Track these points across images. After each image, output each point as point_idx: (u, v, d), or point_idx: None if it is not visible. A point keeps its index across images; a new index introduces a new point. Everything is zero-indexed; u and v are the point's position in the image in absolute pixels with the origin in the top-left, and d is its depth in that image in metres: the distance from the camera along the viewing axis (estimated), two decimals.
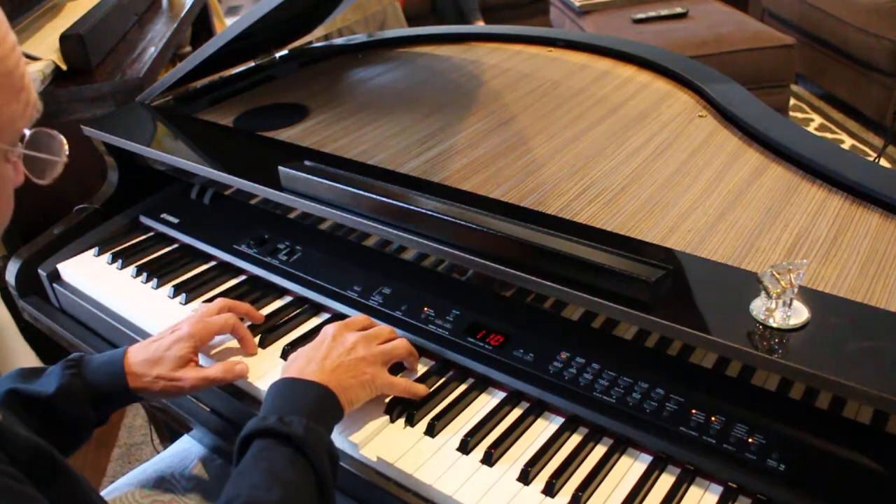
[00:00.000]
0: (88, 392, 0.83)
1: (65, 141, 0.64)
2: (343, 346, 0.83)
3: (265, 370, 0.92)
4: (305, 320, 1.01)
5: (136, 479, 1.00)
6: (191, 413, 0.98)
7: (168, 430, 1.53)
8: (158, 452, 1.09)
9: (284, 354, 0.94)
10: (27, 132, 0.61)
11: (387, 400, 0.85)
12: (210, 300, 1.05)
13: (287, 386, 0.78)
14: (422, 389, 0.85)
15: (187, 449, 1.05)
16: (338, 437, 0.82)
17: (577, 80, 1.36)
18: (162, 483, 0.99)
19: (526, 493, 0.74)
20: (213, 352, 0.95)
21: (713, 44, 2.88)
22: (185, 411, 0.98)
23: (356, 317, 0.91)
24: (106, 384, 0.85)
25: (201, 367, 0.88)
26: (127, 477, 1.02)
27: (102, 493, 0.99)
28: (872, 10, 2.92)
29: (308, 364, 0.80)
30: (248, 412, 0.89)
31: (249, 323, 0.98)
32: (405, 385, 0.84)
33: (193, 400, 0.97)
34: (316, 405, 0.75)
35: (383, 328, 0.89)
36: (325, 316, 1.01)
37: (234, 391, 0.93)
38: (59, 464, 0.64)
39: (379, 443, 0.81)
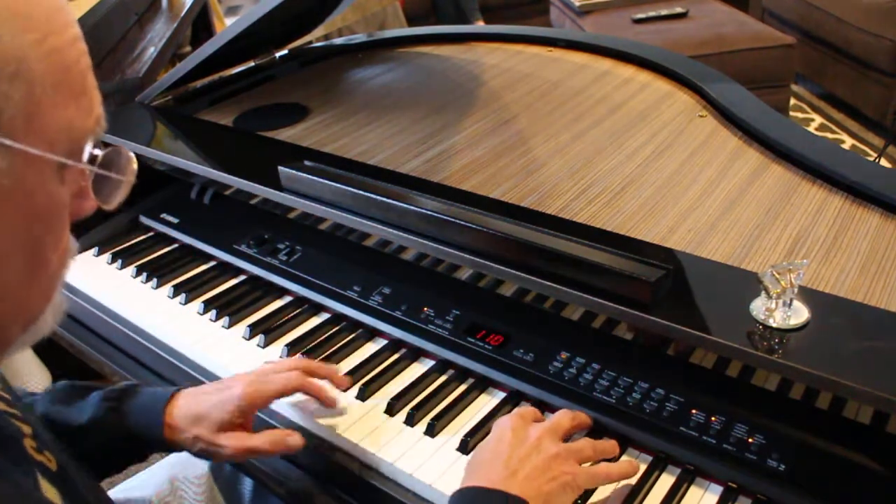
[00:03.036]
0: (122, 430, 0.78)
1: (133, 157, 0.54)
2: (528, 442, 0.70)
3: None
4: (305, 320, 1.01)
5: (145, 483, 0.99)
6: None
7: None
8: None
9: (284, 356, 0.94)
10: (95, 151, 0.50)
11: (387, 400, 0.85)
12: (210, 300, 1.05)
13: (477, 496, 0.66)
14: (625, 467, 0.73)
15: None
16: (336, 437, 0.82)
17: (577, 80, 1.36)
18: (170, 487, 0.98)
19: None
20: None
21: (713, 44, 2.88)
22: None
23: (526, 408, 0.78)
24: (142, 428, 0.79)
25: (245, 435, 0.80)
26: (132, 480, 1.01)
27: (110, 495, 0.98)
28: (872, 9, 2.92)
29: (493, 467, 0.68)
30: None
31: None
32: (608, 472, 0.72)
33: None
34: None
35: (562, 418, 0.75)
36: (325, 316, 1.01)
37: None
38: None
39: (379, 442, 0.81)
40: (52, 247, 0.49)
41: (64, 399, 0.80)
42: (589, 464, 0.72)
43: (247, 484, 1.01)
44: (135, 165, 0.53)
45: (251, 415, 0.81)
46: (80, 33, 0.48)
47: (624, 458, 0.76)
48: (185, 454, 0.98)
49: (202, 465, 1.01)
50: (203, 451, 0.79)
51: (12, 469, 0.51)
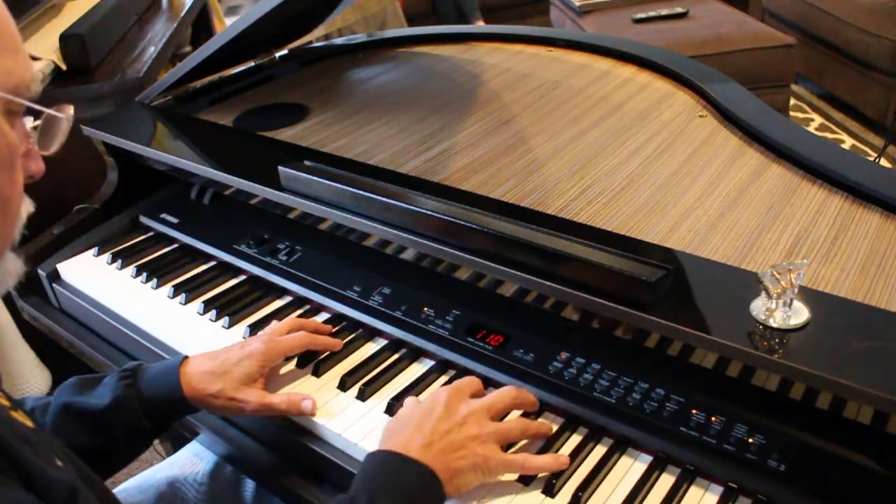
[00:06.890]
0: (143, 404, 0.80)
1: (70, 105, 0.61)
2: (453, 418, 0.73)
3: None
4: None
5: (146, 483, 0.99)
6: (198, 418, 0.96)
7: (170, 432, 1.52)
8: (160, 454, 1.08)
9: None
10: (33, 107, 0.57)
11: (387, 400, 0.85)
12: (210, 300, 1.05)
13: (387, 461, 0.70)
14: (546, 461, 0.74)
15: (197, 455, 1.03)
16: (336, 437, 0.82)
17: (577, 80, 1.36)
18: (171, 489, 0.98)
19: (526, 493, 0.74)
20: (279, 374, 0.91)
21: (713, 44, 2.88)
22: (193, 416, 0.97)
23: (469, 380, 0.80)
24: (161, 396, 0.81)
25: (265, 392, 0.84)
26: (133, 480, 1.01)
27: None
28: (872, 9, 2.92)
29: (415, 435, 0.71)
30: (260, 420, 0.88)
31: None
32: (523, 463, 0.74)
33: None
34: (415, 490, 0.68)
35: (500, 397, 0.78)
36: (325, 316, 1.00)
37: None
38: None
39: (378, 441, 0.80)
40: (8, 186, 0.56)
41: (77, 391, 0.82)
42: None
43: (248, 487, 1.01)
44: (71, 109, 0.61)
45: (266, 371, 0.85)
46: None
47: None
48: (184, 457, 0.98)
49: (203, 468, 1.01)
50: (224, 408, 0.82)
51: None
